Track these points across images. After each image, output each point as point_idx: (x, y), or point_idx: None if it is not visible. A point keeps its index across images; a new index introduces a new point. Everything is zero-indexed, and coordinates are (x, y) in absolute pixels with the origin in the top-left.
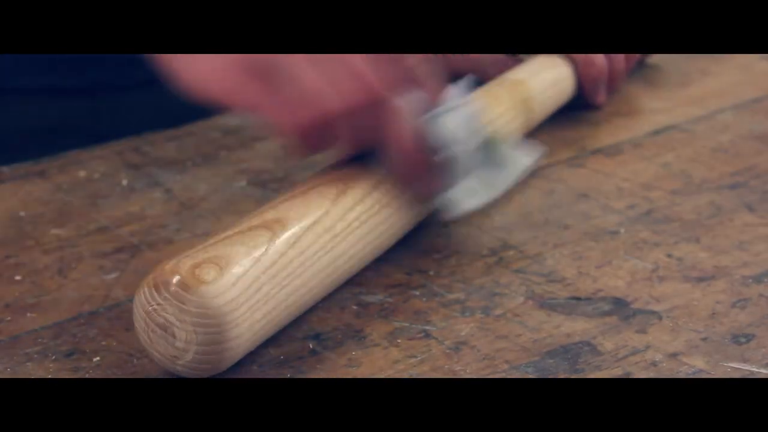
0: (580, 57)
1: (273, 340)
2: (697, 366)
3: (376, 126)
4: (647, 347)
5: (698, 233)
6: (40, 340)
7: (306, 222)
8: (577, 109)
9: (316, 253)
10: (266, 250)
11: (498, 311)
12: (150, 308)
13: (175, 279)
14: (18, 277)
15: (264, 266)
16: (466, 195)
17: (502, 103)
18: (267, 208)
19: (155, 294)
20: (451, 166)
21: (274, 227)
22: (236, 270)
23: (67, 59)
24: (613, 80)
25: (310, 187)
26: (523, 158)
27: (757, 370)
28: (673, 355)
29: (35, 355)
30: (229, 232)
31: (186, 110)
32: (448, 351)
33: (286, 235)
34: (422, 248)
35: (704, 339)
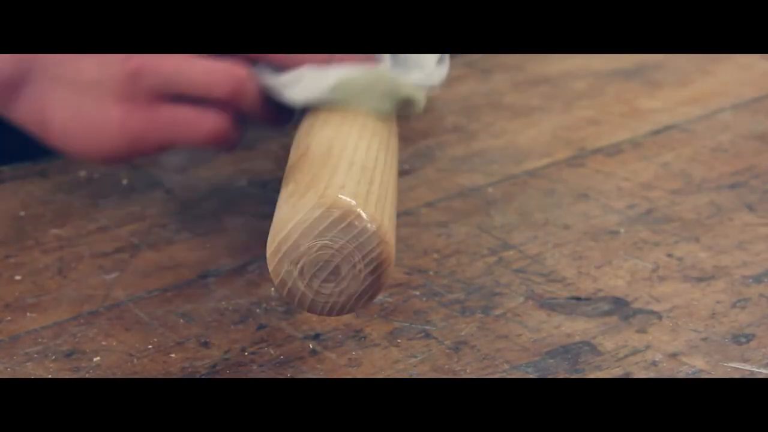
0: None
1: (273, 340)
2: (697, 366)
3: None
4: (647, 347)
5: (698, 233)
6: (40, 340)
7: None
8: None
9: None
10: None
11: (498, 311)
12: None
13: (381, 247)
14: (18, 277)
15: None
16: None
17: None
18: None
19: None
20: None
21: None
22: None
23: None
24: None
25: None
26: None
27: (757, 370)
28: (673, 355)
29: (35, 355)
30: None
31: None
32: (448, 351)
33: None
34: (422, 248)
35: (704, 339)
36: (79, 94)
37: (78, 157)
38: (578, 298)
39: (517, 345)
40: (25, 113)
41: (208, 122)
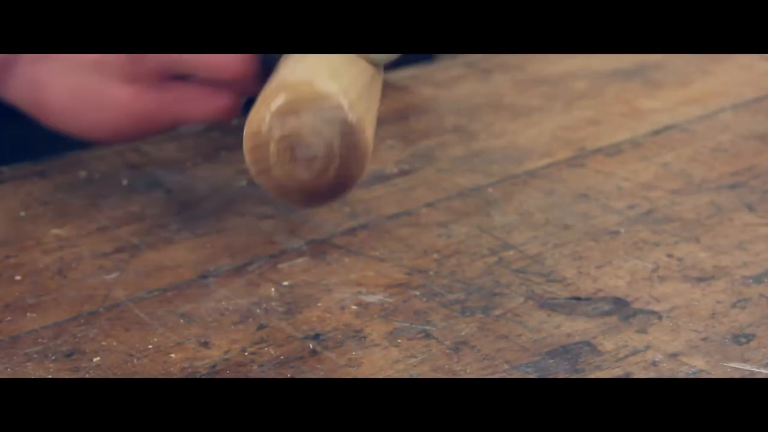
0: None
1: (273, 340)
2: (697, 366)
3: None
4: (647, 347)
5: (698, 233)
6: (40, 340)
7: None
8: None
9: None
10: None
11: (498, 311)
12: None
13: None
14: (18, 277)
15: None
16: None
17: None
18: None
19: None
20: None
21: None
22: None
23: None
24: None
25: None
26: None
27: (757, 370)
28: (673, 355)
29: (35, 355)
30: None
31: None
32: (448, 351)
33: None
34: (422, 248)
35: (704, 339)
36: (78, 73)
37: (78, 135)
38: (578, 298)
39: (517, 345)
40: (19, 92)
41: (216, 100)
